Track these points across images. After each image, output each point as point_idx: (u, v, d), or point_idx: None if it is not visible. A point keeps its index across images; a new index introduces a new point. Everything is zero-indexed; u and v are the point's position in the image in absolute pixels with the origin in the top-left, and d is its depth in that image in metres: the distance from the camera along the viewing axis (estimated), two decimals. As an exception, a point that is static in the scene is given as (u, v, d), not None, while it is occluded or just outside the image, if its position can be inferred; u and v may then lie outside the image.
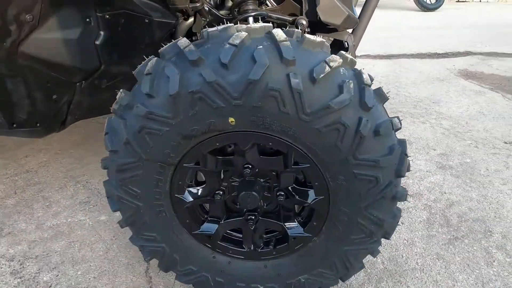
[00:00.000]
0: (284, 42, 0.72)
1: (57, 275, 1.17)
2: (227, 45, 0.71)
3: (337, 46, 1.38)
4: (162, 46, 0.80)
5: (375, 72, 3.24)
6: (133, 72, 0.82)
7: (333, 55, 0.74)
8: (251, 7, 1.08)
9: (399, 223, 0.92)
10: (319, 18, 1.17)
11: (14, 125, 0.94)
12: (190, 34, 1.43)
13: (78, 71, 1.02)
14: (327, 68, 0.71)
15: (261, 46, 0.71)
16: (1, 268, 1.19)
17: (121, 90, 0.84)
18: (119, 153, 0.82)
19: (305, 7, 1.21)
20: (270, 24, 0.78)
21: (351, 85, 0.73)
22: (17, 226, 1.37)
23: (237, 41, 0.71)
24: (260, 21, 1.09)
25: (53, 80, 0.99)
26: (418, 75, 3.24)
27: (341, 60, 0.74)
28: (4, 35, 0.82)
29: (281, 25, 1.21)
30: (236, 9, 1.12)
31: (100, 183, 1.64)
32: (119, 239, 1.32)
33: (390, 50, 4.02)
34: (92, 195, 1.56)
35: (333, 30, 1.28)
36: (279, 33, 0.74)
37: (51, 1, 0.89)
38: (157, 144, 0.79)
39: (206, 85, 0.71)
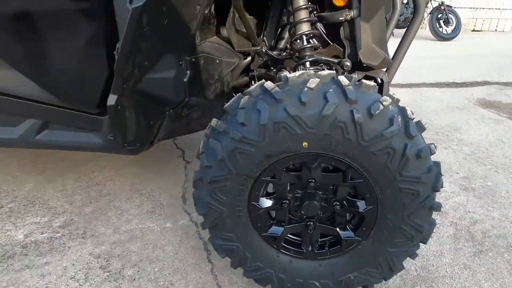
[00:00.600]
0: (348, 86, 0.96)
1: (138, 271, 1.39)
2: (305, 88, 0.95)
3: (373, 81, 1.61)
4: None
5: (397, 100, 3.45)
6: (225, 106, 1.07)
7: (384, 96, 0.97)
8: (308, 52, 1.33)
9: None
10: (360, 59, 1.41)
11: (126, 145, 1.20)
12: (247, 70, 1.71)
13: (170, 102, 1.28)
14: (381, 106, 0.95)
15: (331, 89, 0.95)
16: (91, 263, 1.42)
17: (214, 119, 1.09)
18: (213, 168, 1.05)
19: (348, 50, 1.46)
20: (334, 72, 1.02)
21: (399, 119, 0.96)
22: (97, 230, 1.61)
23: (312, 85, 0.95)
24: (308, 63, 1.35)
25: (152, 109, 1.25)
26: (438, 103, 3.44)
27: (390, 100, 0.98)
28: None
29: (327, 64, 1.46)
30: (296, 54, 1.38)
31: (161, 196, 1.88)
32: (184, 243, 1.54)
33: (409, 79, 4.25)
34: (156, 206, 1.80)
35: (370, 68, 1.52)
36: (343, 79, 0.98)
37: (160, 50, 1.16)
38: (245, 161, 1.02)
39: (289, 118, 0.95)
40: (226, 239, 1.16)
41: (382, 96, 0.98)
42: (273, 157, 1.02)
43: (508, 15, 9.89)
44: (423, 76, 4.42)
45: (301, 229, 1.17)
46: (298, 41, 1.34)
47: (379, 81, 1.58)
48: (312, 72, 1.04)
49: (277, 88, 0.99)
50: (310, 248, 1.18)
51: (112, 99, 1.06)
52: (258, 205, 1.12)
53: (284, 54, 1.61)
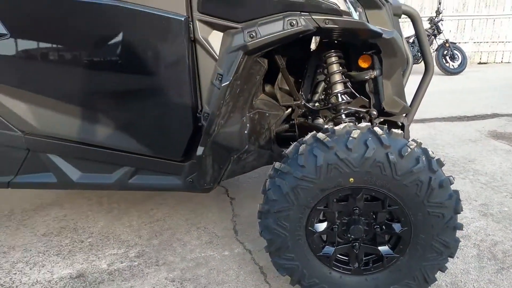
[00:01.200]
0: (382, 135, 1.27)
1: (209, 291, 1.65)
2: (350, 138, 1.27)
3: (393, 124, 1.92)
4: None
5: (413, 135, 3.75)
6: (285, 152, 1.40)
7: (411, 140, 1.28)
8: (343, 107, 1.67)
9: (456, 257, 1.37)
10: (383, 108, 1.74)
11: (205, 185, 1.52)
12: (287, 119, 2.05)
13: (236, 149, 1.62)
14: (409, 149, 1.25)
15: (370, 138, 1.26)
16: (168, 286, 1.70)
17: (277, 163, 1.40)
18: (278, 201, 1.35)
19: (373, 101, 1.79)
20: (369, 123, 1.35)
21: (423, 158, 1.26)
22: (167, 259, 1.90)
23: (355, 135, 1.27)
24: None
25: (223, 156, 1.58)
26: (452, 137, 3.72)
27: (415, 143, 1.28)
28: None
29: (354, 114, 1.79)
30: (332, 107, 1.72)
31: (215, 228, 2.16)
32: (243, 268, 1.81)
33: (423, 114, 4.56)
34: (212, 237, 2.08)
35: (393, 114, 1.84)
36: (378, 129, 1.30)
37: (232, 111, 1.51)
38: (304, 195, 1.32)
39: (339, 160, 1.26)
40: (288, 259, 1.43)
41: (408, 140, 1.29)
42: (326, 191, 1.32)
43: (512, 47, 10.30)
44: (435, 111, 4.72)
45: (348, 249, 1.44)
46: (334, 98, 1.68)
47: (400, 124, 1.90)
48: (352, 124, 1.37)
49: (327, 138, 1.31)
50: (356, 265, 1.44)
51: (200, 150, 1.40)
52: (314, 229, 1.40)
53: (318, 105, 1.96)
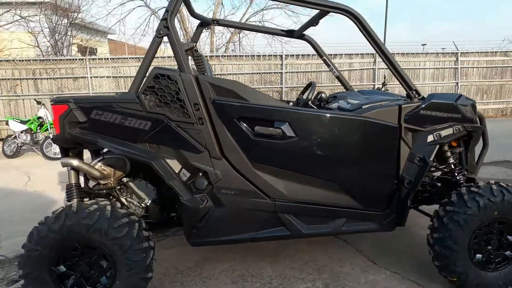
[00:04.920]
0: (506, 187, 2.37)
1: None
2: (492, 189, 2.33)
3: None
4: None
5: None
6: (451, 199, 2.40)
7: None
8: (459, 176, 2.76)
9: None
10: (466, 170, 2.87)
11: (395, 226, 2.42)
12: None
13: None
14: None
15: (501, 189, 2.35)
16: None
17: (447, 207, 2.38)
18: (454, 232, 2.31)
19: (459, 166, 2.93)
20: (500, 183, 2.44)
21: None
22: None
23: (495, 187, 2.34)
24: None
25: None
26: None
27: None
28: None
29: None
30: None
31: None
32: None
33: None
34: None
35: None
36: (501, 184, 2.39)
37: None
38: (470, 224, 2.30)
39: (490, 202, 2.29)
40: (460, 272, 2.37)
41: None
42: (482, 223, 2.32)
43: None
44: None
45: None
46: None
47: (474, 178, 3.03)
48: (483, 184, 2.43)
49: (480, 190, 2.34)
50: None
51: (408, 203, 2.33)
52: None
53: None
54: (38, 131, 7.98)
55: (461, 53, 12.05)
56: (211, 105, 2.22)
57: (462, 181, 2.60)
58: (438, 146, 2.38)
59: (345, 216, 2.47)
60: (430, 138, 2.38)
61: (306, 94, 2.99)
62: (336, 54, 11.42)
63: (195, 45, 3.33)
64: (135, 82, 2.25)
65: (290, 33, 3.43)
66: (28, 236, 2.15)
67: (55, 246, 2.13)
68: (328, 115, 2.34)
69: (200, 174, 2.30)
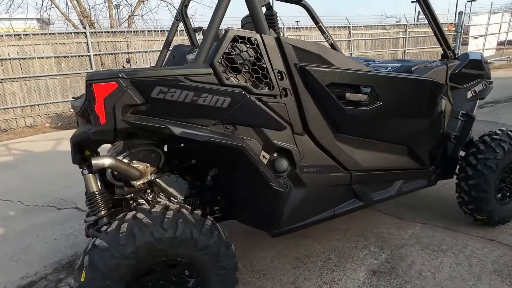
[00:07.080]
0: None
1: (447, 245, 2.70)
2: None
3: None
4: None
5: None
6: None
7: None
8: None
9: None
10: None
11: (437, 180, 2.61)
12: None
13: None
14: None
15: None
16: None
17: None
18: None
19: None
20: None
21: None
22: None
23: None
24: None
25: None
26: None
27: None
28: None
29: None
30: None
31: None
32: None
33: None
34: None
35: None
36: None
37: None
38: (498, 169, 2.64)
39: (506, 152, 2.66)
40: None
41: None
42: (507, 163, 2.68)
43: None
44: None
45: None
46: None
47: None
48: None
49: (501, 137, 2.68)
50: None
51: (457, 154, 2.51)
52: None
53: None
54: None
55: (352, 26, 13.44)
56: (297, 72, 1.91)
57: None
58: (477, 101, 2.60)
59: (403, 178, 2.52)
60: (469, 94, 2.59)
61: None
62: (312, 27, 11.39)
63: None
64: (203, 48, 1.76)
65: None
66: (86, 269, 1.55)
67: (128, 274, 1.59)
68: (404, 77, 2.30)
69: (278, 155, 2.00)
